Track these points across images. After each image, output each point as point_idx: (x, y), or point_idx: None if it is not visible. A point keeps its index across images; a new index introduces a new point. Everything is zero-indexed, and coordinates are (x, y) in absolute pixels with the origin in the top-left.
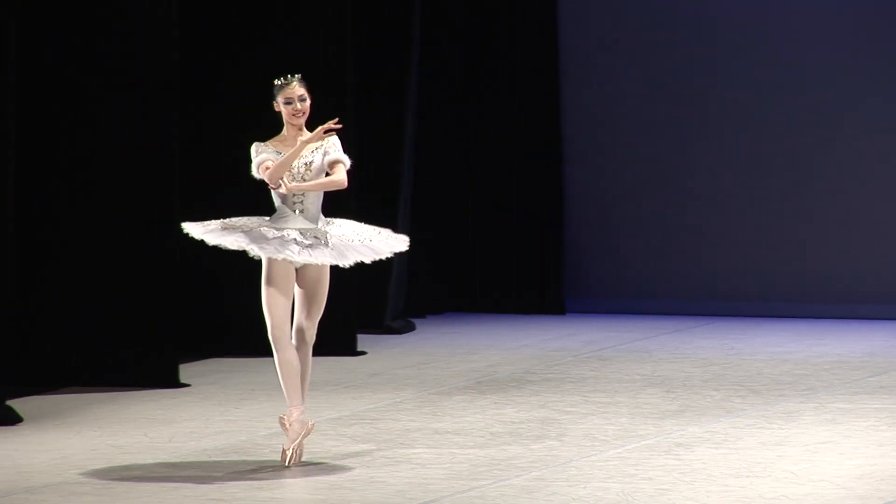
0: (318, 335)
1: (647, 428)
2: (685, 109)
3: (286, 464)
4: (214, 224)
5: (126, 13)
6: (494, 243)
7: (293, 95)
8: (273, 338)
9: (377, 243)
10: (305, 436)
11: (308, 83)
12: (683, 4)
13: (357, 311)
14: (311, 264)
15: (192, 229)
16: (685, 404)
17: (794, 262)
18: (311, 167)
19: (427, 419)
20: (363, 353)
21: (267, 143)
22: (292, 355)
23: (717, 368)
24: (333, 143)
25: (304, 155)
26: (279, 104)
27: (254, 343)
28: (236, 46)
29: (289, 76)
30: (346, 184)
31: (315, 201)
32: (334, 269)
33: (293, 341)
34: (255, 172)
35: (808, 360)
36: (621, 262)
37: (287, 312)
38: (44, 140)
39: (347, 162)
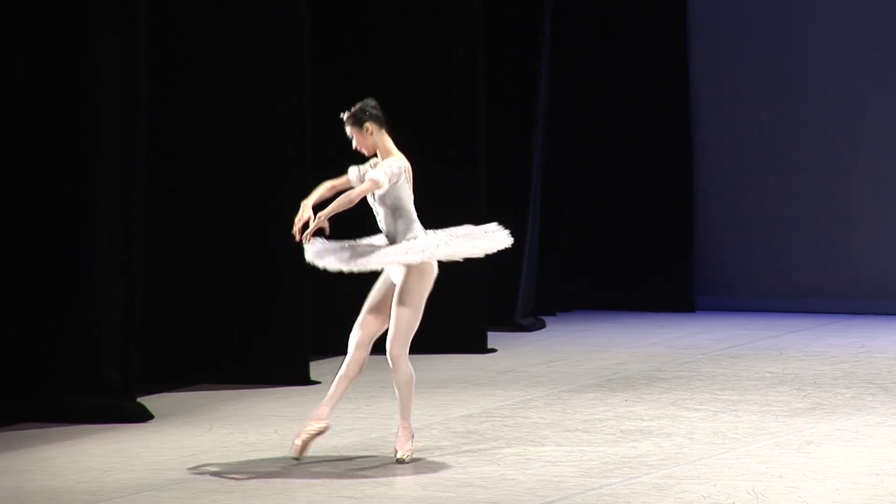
0: (450, 333)
1: (778, 426)
2: (815, 107)
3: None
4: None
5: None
6: (624, 240)
7: (347, 133)
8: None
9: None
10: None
11: (439, 83)
12: (796, 10)
13: (487, 308)
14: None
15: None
16: (815, 402)
17: None
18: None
19: (557, 416)
20: (493, 350)
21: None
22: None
23: (847, 366)
24: (379, 162)
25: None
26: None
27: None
28: (370, 41)
29: (344, 114)
30: (354, 197)
31: (386, 221)
32: (465, 268)
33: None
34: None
35: None
36: (751, 259)
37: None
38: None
39: (377, 178)
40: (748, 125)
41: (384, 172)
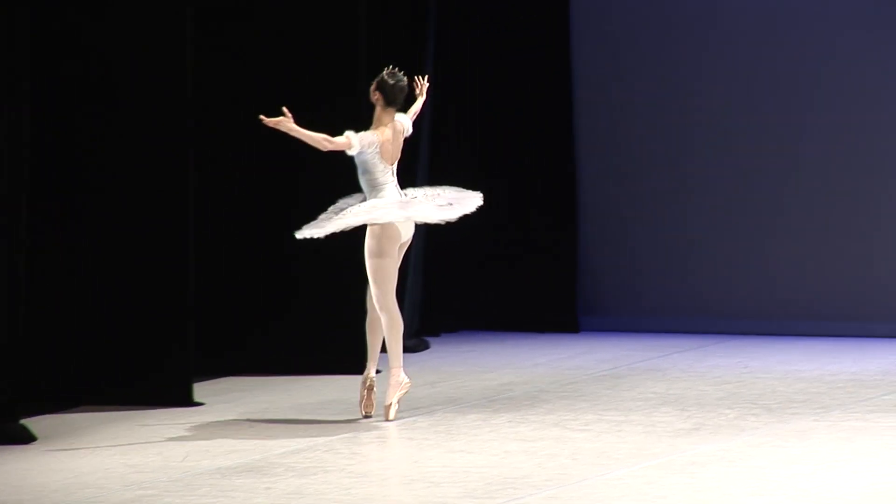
0: (329, 354)
1: (662, 446)
2: (703, 122)
3: (391, 418)
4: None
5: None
6: (508, 261)
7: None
8: (390, 303)
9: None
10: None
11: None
12: (695, 12)
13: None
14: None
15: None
16: (699, 423)
17: (809, 280)
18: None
19: (441, 438)
20: (378, 371)
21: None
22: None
23: (731, 387)
24: (366, 132)
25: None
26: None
27: (267, 361)
28: (249, 49)
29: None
30: (324, 142)
31: (360, 181)
32: (348, 288)
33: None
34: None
35: (821, 378)
36: (636, 279)
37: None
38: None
39: (351, 138)
40: (631, 143)
41: (360, 137)
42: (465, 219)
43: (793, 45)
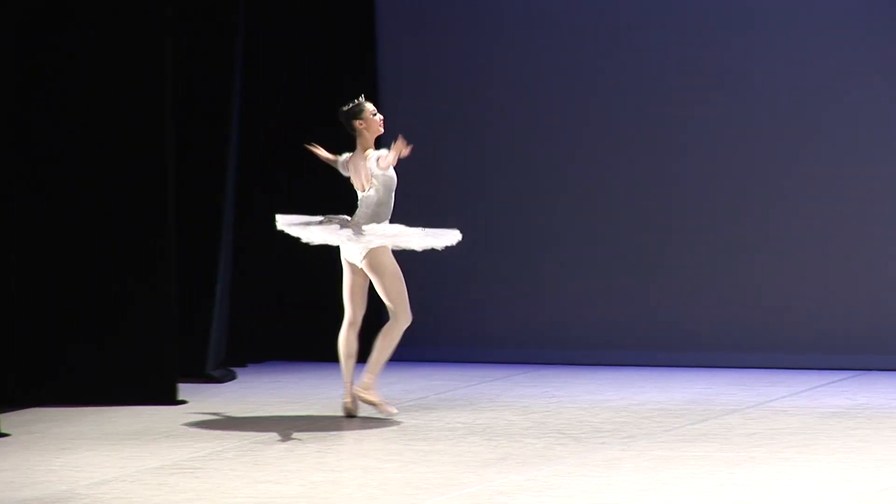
0: (137, 383)
1: (469, 476)
2: (505, 151)
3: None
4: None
5: None
6: (316, 291)
7: (373, 108)
8: (408, 316)
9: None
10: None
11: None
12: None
13: (177, 359)
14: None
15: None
16: (507, 452)
17: (614, 310)
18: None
19: (248, 468)
20: (184, 401)
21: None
22: None
23: (538, 416)
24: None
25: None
26: (367, 119)
27: (81, 391)
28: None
29: (356, 99)
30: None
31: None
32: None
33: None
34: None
35: (628, 408)
36: (440, 310)
37: None
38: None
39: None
40: (429, 172)
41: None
42: (277, 245)
43: (648, 54)
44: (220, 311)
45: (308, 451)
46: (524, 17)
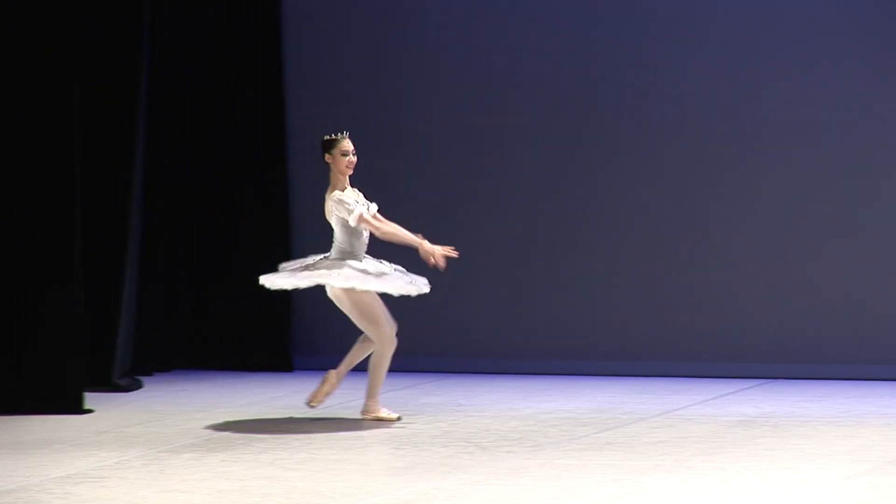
0: (43, 392)
1: (376, 485)
2: (413, 158)
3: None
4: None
5: None
6: (222, 299)
7: (349, 149)
8: (389, 339)
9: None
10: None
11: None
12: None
13: (84, 368)
14: None
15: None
16: (413, 461)
17: (521, 318)
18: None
19: (154, 477)
20: (90, 410)
21: (340, 190)
22: None
23: (444, 425)
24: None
25: (360, 200)
26: (335, 157)
27: None
28: None
29: (339, 133)
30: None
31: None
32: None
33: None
34: (354, 221)
35: (535, 417)
36: (347, 319)
37: None
38: None
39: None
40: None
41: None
42: (180, 257)
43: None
44: (127, 320)
45: (215, 460)
46: (438, 15)
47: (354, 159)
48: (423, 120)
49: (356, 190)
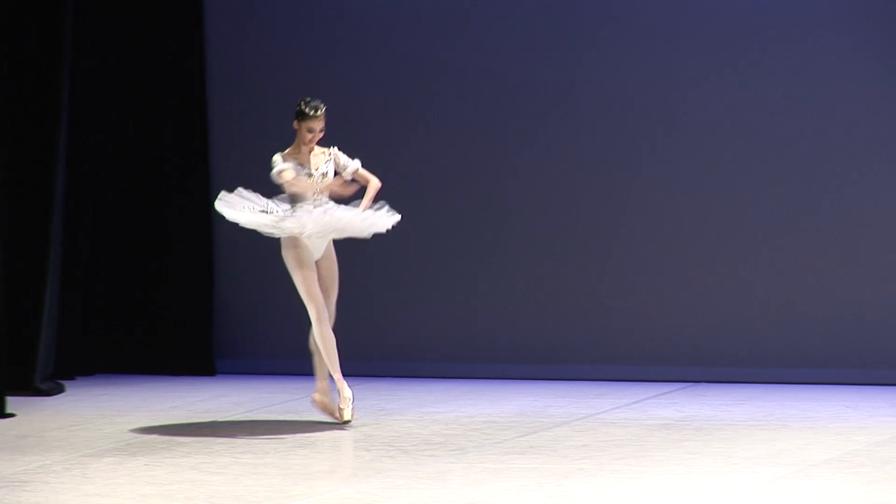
0: None
1: (298, 489)
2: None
3: (352, 419)
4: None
5: None
6: (145, 303)
7: (315, 128)
8: (319, 315)
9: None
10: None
11: None
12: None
13: (5, 372)
14: (324, 251)
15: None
16: (335, 465)
17: (441, 322)
18: (327, 177)
19: (76, 481)
20: (12, 415)
21: (286, 153)
22: (330, 330)
23: (367, 429)
24: (337, 153)
25: (319, 167)
26: (301, 129)
27: None
28: None
29: (318, 109)
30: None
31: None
32: None
33: None
34: (276, 177)
35: (458, 420)
36: (273, 321)
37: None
38: None
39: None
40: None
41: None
42: (105, 262)
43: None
44: (49, 323)
45: (137, 464)
46: (358, 14)
47: (317, 137)
48: (349, 123)
49: (332, 150)
